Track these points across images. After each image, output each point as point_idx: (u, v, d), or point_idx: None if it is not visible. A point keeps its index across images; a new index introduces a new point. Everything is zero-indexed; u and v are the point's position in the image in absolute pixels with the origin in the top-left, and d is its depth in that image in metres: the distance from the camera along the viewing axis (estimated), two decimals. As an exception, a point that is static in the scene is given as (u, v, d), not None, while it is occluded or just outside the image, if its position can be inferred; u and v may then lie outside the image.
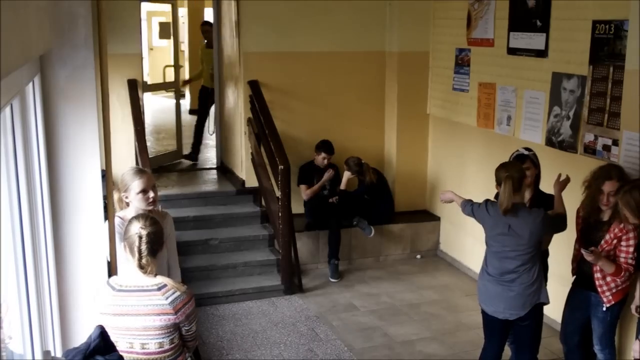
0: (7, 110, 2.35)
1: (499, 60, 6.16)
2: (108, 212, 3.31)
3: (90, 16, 3.04)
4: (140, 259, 2.87)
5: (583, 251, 3.99)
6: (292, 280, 6.31)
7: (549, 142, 5.53)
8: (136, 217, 2.99)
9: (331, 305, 6.06)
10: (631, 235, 3.96)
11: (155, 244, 2.90)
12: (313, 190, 6.81)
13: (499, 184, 4.05)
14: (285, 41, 7.03)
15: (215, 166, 8.24)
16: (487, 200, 4.23)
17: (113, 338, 2.72)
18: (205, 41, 9.00)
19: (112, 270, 3.33)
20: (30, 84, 2.79)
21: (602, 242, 4.07)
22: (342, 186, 6.86)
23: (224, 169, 8.09)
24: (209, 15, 10.79)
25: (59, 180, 3.09)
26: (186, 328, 2.93)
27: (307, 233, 6.79)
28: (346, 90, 7.33)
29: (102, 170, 3.25)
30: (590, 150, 5.10)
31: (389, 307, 6.01)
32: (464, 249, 6.93)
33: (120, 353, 2.69)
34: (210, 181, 7.61)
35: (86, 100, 3.08)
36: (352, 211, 6.88)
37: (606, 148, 4.93)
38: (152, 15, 17.35)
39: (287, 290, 6.19)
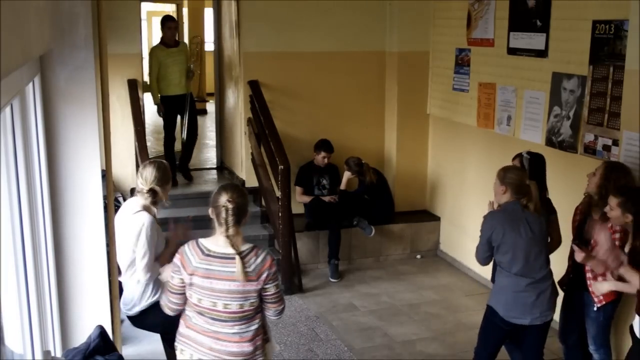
0: (7, 110, 2.35)
1: (499, 60, 6.16)
2: (108, 212, 3.31)
3: (90, 16, 3.04)
4: (227, 229, 3.11)
5: (574, 246, 4.00)
6: (292, 280, 6.31)
7: (549, 142, 5.53)
8: (224, 188, 3.24)
9: (331, 305, 6.07)
10: (617, 236, 3.97)
11: (240, 215, 3.15)
12: (306, 200, 6.86)
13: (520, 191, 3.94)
14: (285, 41, 7.03)
15: (215, 166, 8.24)
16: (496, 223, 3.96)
17: (197, 296, 3.11)
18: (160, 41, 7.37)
19: (111, 270, 3.34)
20: (30, 84, 2.79)
21: (592, 240, 4.08)
22: (342, 186, 6.87)
23: (224, 169, 8.10)
24: (208, 15, 10.74)
25: (59, 180, 3.09)
26: (267, 291, 3.18)
27: (307, 233, 6.79)
28: (346, 90, 7.34)
29: (102, 170, 3.25)
30: (590, 150, 5.10)
31: (389, 307, 6.01)
32: (464, 249, 6.93)
33: (204, 310, 3.11)
34: (210, 181, 7.61)
35: (86, 100, 3.07)
36: (352, 211, 6.88)
37: (606, 148, 4.93)
38: (152, 15, 17.35)
39: (287, 290, 6.20)
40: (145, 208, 3.91)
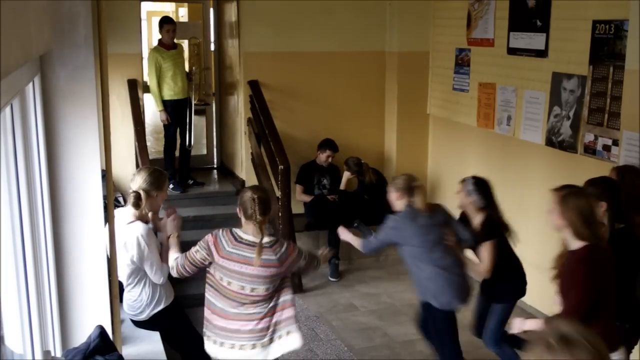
0: (7, 110, 2.35)
1: (499, 60, 6.16)
2: (108, 212, 3.31)
3: (90, 16, 3.04)
4: (255, 217, 3.43)
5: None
6: (292, 280, 6.28)
7: (549, 142, 5.53)
8: (248, 188, 3.67)
9: (331, 305, 6.06)
10: None
11: (265, 207, 3.47)
12: (306, 199, 6.85)
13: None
14: (285, 41, 7.03)
15: (215, 166, 8.23)
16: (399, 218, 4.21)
17: (227, 279, 3.42)
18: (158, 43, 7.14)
19: (112, 270, 3.34)
20: (30, 84, 2.79)
21: None
22: (342, 186, 6.87)
23: (224, 169, 8.09)
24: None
25: (59, 180, 3.09)
26: (300, 264, 3.66)
27: (307, 233, 6.79)
28: (346, 90, 7.34)
29: (102, 170, 3.25)
30: (590, 150, 5.10)
31: (389, 307, 6.01)
32: (464, 249, 6.93)
33: (231, 292, 3.43)
34: (210, 181, 7.61)
35: (86, 100, 3.07)
36: (351, 211, 6.86)
37: (606, 148, 4.93)
38: (152, 15, 17.34)
39: (287, 290, 6.20)
40: (139, 217, 3.79)
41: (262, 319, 3.50)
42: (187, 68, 7.59)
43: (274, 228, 6.44)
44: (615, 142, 4.75)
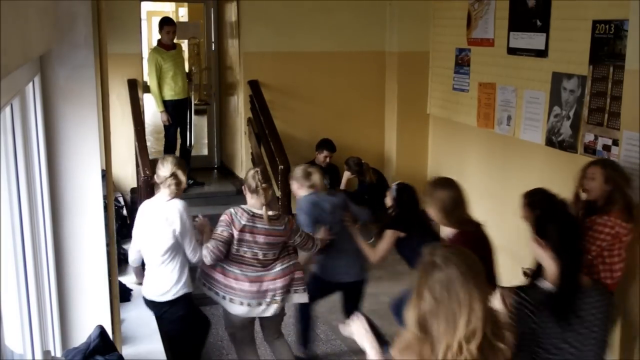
0: (7, 110, 2.35)
1: (499, 60, 6.16)
2: (108, 212, 3.31)
3: (90, 16, 3.04)
4: (261, 186, 4.07)
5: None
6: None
7: (549, 142, 5.53)
8: (251, 169, 4.28)
9: (331, 305, 6.06)
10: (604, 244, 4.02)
11: (266, 178, 4.18)
12: None
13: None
14: (285, 41, 7.04)
15: (215, 166, 8.23)
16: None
17: (243, 249, 4.07)
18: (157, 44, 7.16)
19: (112, 270, 3.34)
20: (30, 84, 2.79)
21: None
22: (342, 186, 6.86)
23: (224, 169, 8.09)
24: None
25: (59, 180, 3.09)
26: (296, 241, 4.31)
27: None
28: (346, 90, 7.34)
29: (102, 170, 3.25)
30: (590, 150, 5.09)
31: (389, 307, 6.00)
32: (464, 249, 6.93)
33: (247, 260, 4.09)
34: (210, 181, 7.61)
35: (86, 100, 3.07)
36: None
37: (606, 148, 4.93)
38: (152, 15, 17.34)
39: (287, 290, 6.21)
40: (175, 195, 4.14)
41: (275, 279, 4.17)
42: (187, 68, 7.55)
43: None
44: (615, 142, 4.75)
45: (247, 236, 4.06)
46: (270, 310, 4.21)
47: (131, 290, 4.64)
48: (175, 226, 4.04)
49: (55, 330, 3.13)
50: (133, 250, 4.34)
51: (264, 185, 4.08)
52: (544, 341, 2.70)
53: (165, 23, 7.07)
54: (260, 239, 4.09)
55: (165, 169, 4.12)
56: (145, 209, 4.23)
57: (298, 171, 4.79)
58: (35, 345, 2.67)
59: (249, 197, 4.15)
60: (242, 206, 4.15)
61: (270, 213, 4.11)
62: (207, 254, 4.03)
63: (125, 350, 3.85)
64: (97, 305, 3.25)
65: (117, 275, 3.48)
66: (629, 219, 3.90)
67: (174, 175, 4.10)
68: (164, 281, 4.15)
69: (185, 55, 8.44)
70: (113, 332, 3.36)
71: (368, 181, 6.88)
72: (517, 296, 2.76)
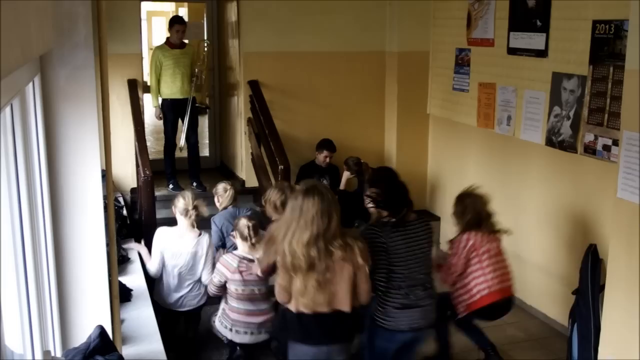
0: (7, 110, 2.35)
1: (499, 60, 6.16)
2: (108, 212, 3.31)
3: (90, 16, 3.04)
4: (251, 240, 4.55)
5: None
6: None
7: (549, 142, 5.53)
8: (243, 217, 4.71)
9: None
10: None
11: (257, 230, 4.60)
12: None
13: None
14: (285, 41, 7.03)
15: (215, 166, 8.22)
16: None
17: (240, 289, 4.56)
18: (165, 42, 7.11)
19: (112, 270, 3.34)
20: (30, 84, 2.79)
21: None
22: (342, 186, 6.86)
23: (224, 169, 8.09)
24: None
25: (59, 180, 3.09)
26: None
27: (307, 233, 6.77)
28: (346, 90, 7.34)
29: (102, 170, 3.25)
30: (590, 150, 5.10)
31: (389, 307, 5.98)
32: (464, 249, 6.92)
33: (245, 297, 4.57)
34: (210, 181, 7.60)
35: (86, 100, 3.07)
36: (351, 211, 6.86)
37: (606, 148, 4.93)
38: (152, 15, 17.34)
39: (287, 290, 6.21)
40: (195, 227, 4.87)
41: (268, 313, 4.65)
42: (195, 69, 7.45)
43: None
44: (615, 142, 4.75)
45: (238, 275, 4.55)
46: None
47: (131, 290, 4.64)
48: (203, 260, 4.83)
49: (55, 330, 3.13)
50: (154, 266, 4.84)
51: (254, 240, 4.56)
52: (392, 255, 3.79)
53: (176, 22, 7.02)
54: (249, 277, 4.56)
55: (186, 202, 4.79)
56: (170, 238, 4.84)
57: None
58: (35, 345, 2.67)
59: (239, 241, 4.63)
60: (233, 252, 4.69)
61: (257, 255, 4.45)
62: (209, 290, 4.76)
63: (125, 350, 3.85)
64: (97, 305, 3.25)
65: (117, 275, 3.48)
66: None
67: (195, 207, 4.79)
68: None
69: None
70: (113, 332, 3.36)
71: (367, 181, 6.87)
72: (370, 226, 3.93)
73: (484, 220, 4.62)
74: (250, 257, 4.55)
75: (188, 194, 4.85)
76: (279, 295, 3.63)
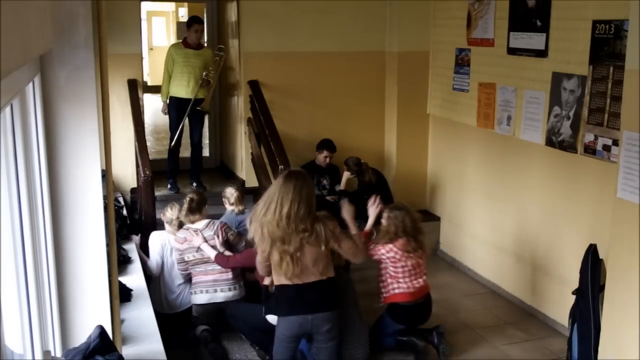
0: (7, 110, 2.35)
1: (499, 60, 6.16)
2: (108, 212, 3.31)
3: (90, 16, 3.04)
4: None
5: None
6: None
7: (549, 142, 5.53)
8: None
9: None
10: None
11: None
12: None
13: None
14: (285, 41, 7.03)
15: (215, 166, 8.22)
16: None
17: (192, 255, 5.18)
18: (182, 42, 7.16)
19: (112, 270, 3.34)
20: (30, 84, 2.79)
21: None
22: (342, 186, 6.86)
23: (224, 169, 8.09)
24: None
25: (59, 180, 3.08)
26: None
27: (307, 233, 6.77)
28: (346, 90, 7.34)
29: (102, 170, 3.25)
30: (590, 150, 5.10)
31: (389, 307, 5.99)
32: (464, 249, 6.93)
33: (200, 261, 5.15)
34: (210, 181, 7.60)
35: (86, 100, 3.07)
36: (351, 211, 6.86)
37: (606, 148, 4.93)
38: (152, 15, 17.34)
39: (287, 290, 6.22)
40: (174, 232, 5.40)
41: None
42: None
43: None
44: (616, 142, 4.75)
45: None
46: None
47: (131, 290, 4.64)
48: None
49: (55, 330, 3.13)
50: (153, 266, 5.35)
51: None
52: None
53: (195, 21, 7.00)
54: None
55: (172, 214, 5.44)
56: (161, 240, 5.43)
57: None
58: (35, 345, 2.67)
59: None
60: (184, 227, 5.28)
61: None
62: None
63: (125, 350, 3.85)
64: (97, 305, 3.25)
65: (117, 275, 3.48)
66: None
67: (178, 218, 5.39)
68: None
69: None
70: (113, 332, 3.36)
71: (368, 181, 6.87)
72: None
73: (409, 235, 4.95)
74: (195, 227, 5.21)
75: (176, 207, 5.45)
76: (261, 271, 4.15)
